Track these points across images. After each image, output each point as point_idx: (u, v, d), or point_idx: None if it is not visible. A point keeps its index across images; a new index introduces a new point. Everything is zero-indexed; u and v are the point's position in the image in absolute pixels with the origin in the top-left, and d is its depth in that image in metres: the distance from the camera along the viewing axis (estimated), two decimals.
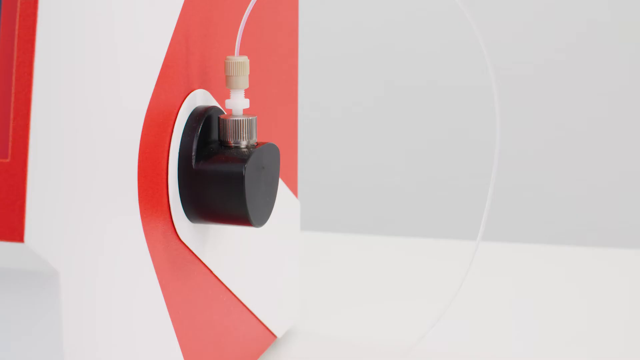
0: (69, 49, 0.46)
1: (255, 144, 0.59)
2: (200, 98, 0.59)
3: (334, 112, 1.73)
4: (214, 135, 0.59)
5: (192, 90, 0.58)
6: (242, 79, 0.59)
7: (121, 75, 0.51)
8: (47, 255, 0.45)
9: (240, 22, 0.59)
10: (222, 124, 0.58)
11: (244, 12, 0.60)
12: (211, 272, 0.62)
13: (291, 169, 0.74)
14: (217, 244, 0.62)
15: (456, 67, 1.67)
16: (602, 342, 0.78)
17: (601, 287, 0.92)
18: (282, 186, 0.70)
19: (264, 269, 0.70)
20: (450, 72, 1.66)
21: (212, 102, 0.60)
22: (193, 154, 0.57)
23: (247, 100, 0.59)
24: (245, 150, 0.58)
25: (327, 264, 0.95)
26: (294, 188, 0.75)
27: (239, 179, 0.56)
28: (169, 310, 0.57)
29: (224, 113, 0.60)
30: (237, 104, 0.59)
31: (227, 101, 0.59)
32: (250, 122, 0.58)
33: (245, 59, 0.59)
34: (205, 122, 0.58)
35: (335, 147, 1.71)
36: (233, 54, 0.61)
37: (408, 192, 1.57)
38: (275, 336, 0.74)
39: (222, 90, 0.61)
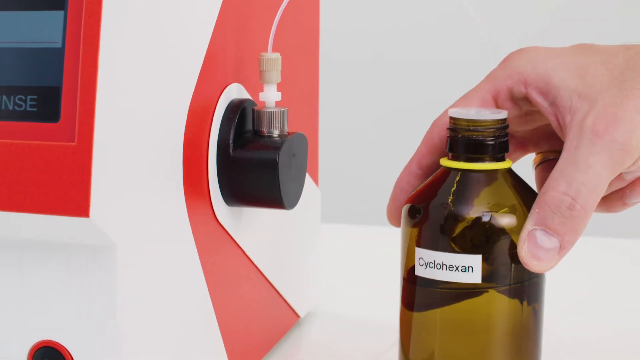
0: (127, 48, 0.51)
1: (287, 134, 0.64)
2: (235, 91, 0.64)
3: (351, 107, 1.77)
4: (249, 126, 0.64)
5: (228, 84, 0.63)
6: (275, 74, 0.64)
7: (171, 69, 0.56)
8: (107, 229, 0.51)
9: (270, 22, 0.65)
10: (256, 115, 0.64)
11: (274, 12, 0.65)
12: (243, 252, 0.67)
13: (313, 159, 0.79)
14: (249, 227, 0.67)
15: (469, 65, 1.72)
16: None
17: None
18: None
19: (289, 252, 0.75)
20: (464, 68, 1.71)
21: (246, 95, 0.65)
22: (230, 142, 0.62)
23: (279, 93, 0.64)
24: (277, 139, 0.63)
25: (343, 252, 1.01)
26: (315, 177, 0.80)
27: (273, 165, 0.61)
28: (207, 285, 0.62)
29: (256, 105, 0.65)
30: (270, 96, 0.64)
31: (260, 94, 0.64)
32: (282, 113, 0.63)
33: (277, 55, 0.64)
34: (240, 113, 0.63)
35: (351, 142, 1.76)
36: (263, 50, 0.66)
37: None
38: (298, 316, 0.79)
39: (253, 84, 0.66)
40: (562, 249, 0.59)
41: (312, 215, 0.80)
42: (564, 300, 0.87)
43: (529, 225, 0.59)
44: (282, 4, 0.64)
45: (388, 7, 1.75)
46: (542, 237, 0.59)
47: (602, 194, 0.60)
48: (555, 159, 0.62)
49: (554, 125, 0.63)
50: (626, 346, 0.78)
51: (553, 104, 0.63)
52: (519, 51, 0.65)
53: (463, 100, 0.65)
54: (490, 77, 0.65)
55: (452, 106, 0.65)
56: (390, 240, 1.00)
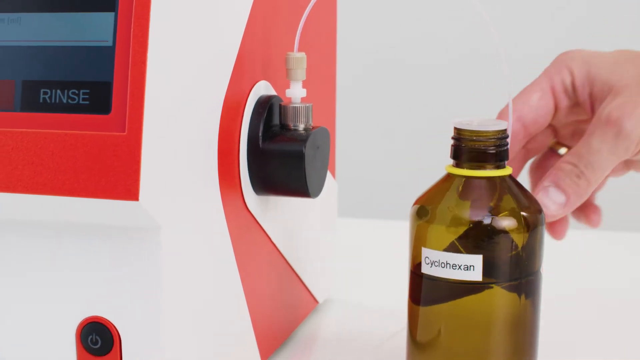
0: (171, 46, 0.56)
1: (311, 127, 0.68)
2: (263, 88, 0.68)
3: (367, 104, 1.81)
4: (276, 120, 0.68)
5: (256, 81, 0.68)
6: (300, 72, 0.69)
7: (208, 67, 0.60)
8: (154, 212, 0.55)
9: (293, 23, 0.69)
10: (283, 110, 0.68)
11: (297, 14, 0.70)
12: (269, 238, 0.71)
13: (330, 154, 0.84)
14: (274, 215, 0.71)
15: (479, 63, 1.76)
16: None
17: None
18: None
19: (309, 241, 0.80)
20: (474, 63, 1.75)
21: (272, 91, 0.70)
22: (260, 135, 0.66)
23: (305, 90, 0.69)
24: (303, 132, 0.67)
25: (355, 245, 1.05)
26: (332, 170, 0.85)
27: (300, 156, 0.66)
28: (238, 267, 0.66)
29: (282, 101, 0.69)
30: (296, 93, 0.68)
31: (287, 90, 0.68)
32: (307, 108, 0.68)
33: (303, 55, 0.68)
34: (268, 108, 0.67)
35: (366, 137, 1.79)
36: (287, 50, 0.70)
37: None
38: (317, 302, 0.84)
39: (280, 81, 0.71)
40: (567, 204, 0.73)
41: (330, 206, 0.85)
42: (561, 294, 0.92)
43: (545, 182, 0.73)
44: (308, 7, 0.68)
45: (413, 14, 1.79)
46: (553, 192, 0.73)
47: (606, 173, 0.72)
48: (553, 151, 0.80)
49: (588, 114, 0.75)
50: (624, 340, 0.83)
51: (590, 94, 0.75)
52: (567, 52, 0.77)
53: (525, 93, 0.76)
54: (545, 72, 0.77)
55: (515, 99, 0.76)
56: (399, 233, 1.05)
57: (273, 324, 0.74)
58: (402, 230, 1.05)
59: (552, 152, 0.82)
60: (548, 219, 0.73)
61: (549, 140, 0.81)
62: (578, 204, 0.73)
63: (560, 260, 0.94)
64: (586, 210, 0.81)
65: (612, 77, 0.73)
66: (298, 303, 0.79)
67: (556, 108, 0.77)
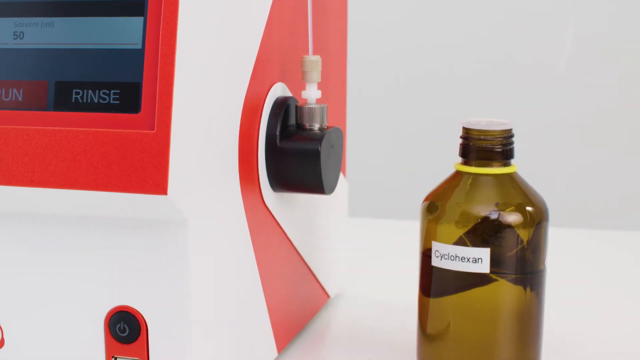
0: (197, 50, 0.59)
1: (326, 127, 0.71)
2: (279, 90, 0.71)
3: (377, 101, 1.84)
4: (292, 120, 0.71)
5: (273, 83, 0.71)
6: (315, 74, 0.72)
7: (230, 70, 0.64)
8: (181, 206, 0.58)
9: (307, 27, 0.72)
10: (299, 110, 0.71)
11: (311, 18, 0.73)
12: (285, 233, 0.74)
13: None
14: (289, 211, 0.75)
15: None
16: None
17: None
18: None
19: (322, 237, 0.83)
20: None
21: (288, 93, 0.73)
22: (277, 134, 0.69)
23: (320, 91, 0.72)
24: (318, 132, 0.70)
25: (363, 243, 1.08)
26: (343, 170, 0.88)
27: (316, 154, 0.69)
28: (256, 260, 0.69)
29: (298, 102, 0.73)
30: (311, 94, 0.71)
31: (303, 92, 0.72)
32: (322, 109, 0.71)
33: (318, 58, 0.72)
34: (285, 109, 0.70)
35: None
36: (300, 53, 0.73)
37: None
38: (328, 296, 0.87)
39: (295, 83, 0.74)
40: None
41: (341, 204, 0.88)
42: (565, 289, 0.95)
43: None
44: (309, 11, 0.71)
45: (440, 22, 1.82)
46: None
47: None
48: None
49: None
50: (624, 333, 0.86)
51: None
52: None
53: None
54: None
55: None
56: (404, 232, 1.08)
57: (288, 316, 0.77)
58: (408, 230, 1.09)
59: None
60: None
61: None
62: None
63: (561, 258, 0.97)
64: None
65: None
66: (311, 297, 0.82)
67: None
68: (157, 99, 0.57)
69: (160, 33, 0.57)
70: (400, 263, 0.98)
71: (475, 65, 1.77)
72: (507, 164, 0.70)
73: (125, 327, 0.62)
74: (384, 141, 1.86)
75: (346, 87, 0.89)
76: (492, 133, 0.69)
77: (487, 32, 1.77)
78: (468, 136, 0.70)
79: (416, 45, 1.84)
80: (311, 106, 0.71)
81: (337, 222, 0.87)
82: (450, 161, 0.79)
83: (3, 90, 0.61)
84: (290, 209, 0.75)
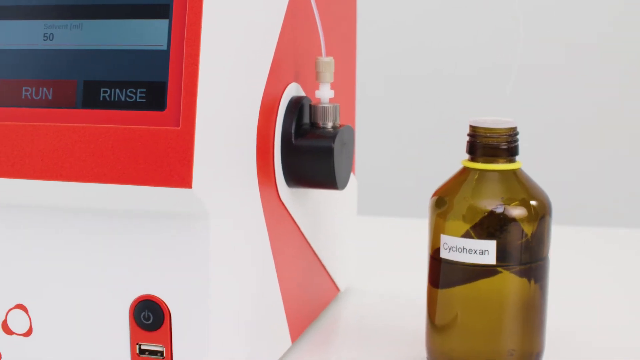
0: (218, 51, 0.62)
1: (339, 125, 0.74)
2: (294, 89, 0.75)
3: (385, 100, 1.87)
4: (306, 119, 0.74)
5: (288, 84, 0.74)
6: (328, 75, 0.75)
7: (248, 70, 0.67)
8: (204, 199, 0.61)
9: (325, 29, 0.75)
10: (313, 109, 0.74)
11: (322, 20, 0.76)
12: (298, 228, 0.77)
13: None
14: (303, 206, 0.78)
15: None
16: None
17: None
18: None
19: (333, 232, 0.86)
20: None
21: (302, 93, 0.76)
22: (292, 132, 0.73)
23: (332, 91, 0.75)
24: (331, 130, 0.74)
25: (370, 240, 1.11)
26: (352, 168, 0.91)
27: (329, 151, 0.72)
28: (272, 253, 0.72)
29: (311, 101, 0.76)
30: (325, 94, 0.75)
31: (316, 92, 0.75)
32: (335, 108, 0.74)
33: (331, 59, 0.75)
34: (300, 108, 0.74)
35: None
36: (312, 54, 0.77)
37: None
38: (338, 289, 0.90)
39: (308, 83, 0.77)
40: None
41: (351, 201, 0.91)
42: (568, 285, 0.98)
43: None
44: (316, 13, 0.74)
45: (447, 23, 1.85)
46: None
47: None
48: None
49: None
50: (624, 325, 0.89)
51: None
52: None
53: None
54: None
55: None
56: (410, 229, 1.11)
57: (301, 307, 0.80)
58: (413, 227, 1.12)
59: None
60: None
61: None
62: None
63: (564, 255, 1.00)
64: None
65: None
66: (322, 289, 0.85)
67: None
68: (182, 97, 0.60)
69: (185, 35, 0.60)
70: (407, 259, 1.01)
71: (478, 65, 1.80)
72: (512, 161, 0.73)
73: (150, 315, 0.65)
74: (388, 141, 1.89)
75: (355, 87, 0.92)
76: (497, 131, 0.73)
77: (489, 34, 1.80)
78: (475, 134, 0.73)
79: (421, 45, 1.87)
80: (324, 105, 0.74)
81: (346, 219, 0.90)
82: (452, 160, 0.82)
83: (34, 89, 0.64)
84: (304, 204, 0.78)
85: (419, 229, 0.91)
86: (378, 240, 1.13)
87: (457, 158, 0.78)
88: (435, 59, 1.86)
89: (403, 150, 1.89)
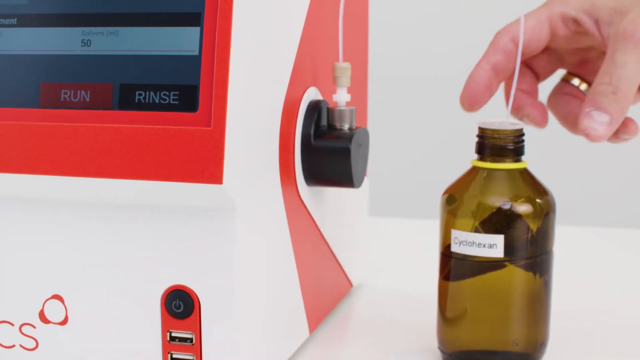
0: (247, 57, 0.66)
1: (355, 127, 0.79)
2: (312, 93, 0.79)
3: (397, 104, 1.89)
4: (324, 121, 0.79)
5: (307, 88, 0.78)
6: (345, 79, 0.79)
7: (272, 74, 0.71)
8: (233, 194, 0.65)
9: (334, 35, 0.80)
10: (330, 112, 0.79)
11: (337, 26, 0.81)
12: (315, 224, 0.82)
13: None
14: (320, 204, 0.82)
15: None
16: None
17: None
18: None
19: (347, 229, 0.90)
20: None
21: (320, 96, 0.81)
22: (311, 133, 0.77)
23: (349, 95, 0.79)
24: (348, 131, 0.78)
25: (381, 239, 1.16)
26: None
27: (347, 151, 0.76)
28: (293, 248, 0.77)
29: (329, 105, 0.80)
30: (342, 97, 0.79)
31: (334, 95, 0.79)
32: (351, 111, 0.79)
33: (348, 65, 0.79)
34: (318, 111, 0.78)
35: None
36: (329, 59, 0.81)
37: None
38: (351, 285, 0.94)
39: (325, 87, 0.81)
40: (612, 121, 0.78)
41: (363, 199, 0.95)
42: (572, 281, 1.02)
43: (585, 108, 0.79)
44: (340, 21, 0.79)
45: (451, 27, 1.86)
46: (596, 114, 0.78)
47: (637, 83, 0.79)
48: (566, 82, 0.88)
49: (597, 40, 0.83)
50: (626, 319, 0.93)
51: (597, 22, 0.82)
52: None
53: (519, 23, 0.83)
54: (546, 4, 0.85)
55: (508, 27, 0.85)
56: (419, 229, 1.16)
57: (318, 300, 0.84)
58: (422, 227, 1.16)
59: (565, 83, 0.89)
60: (598, 140, 0.79)
61: (554, 67, 0.89)
62: (621, 118, 0.79)
63: (562, 256, 1.04)
64: (624, 124, 0.83)
65: (618, 2, 0.81)
66: (337, 284, 0.90)
67: (553, 35, 0.85)
68: (212, 99, 0.64)
69: (216, 41, 0.65)
70: (416, 257, 1.05)
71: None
72: (518, 160, 0.77)
73: (180, 304, 0.69)
74: (397, 145, 1.92)
75: (367, 90, 0.96)
76: (504, 132, 0.77)
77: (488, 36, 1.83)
78: (483, 135, 0.77)
79: (422, 48, 1.89)
80: (342, 108, 0.78)
81: (359, 217, 0.95)
82: (458, 163, 0.86)
83: (72, 91, 0.68)
84: (320, 202, 0.82)
85: (427, 229, 0.96)
86: (388, 240, 1.17)
87: (459, 166, 0.82)
88: (444, 61, 1.88)
89: (410, 155, 1.93)
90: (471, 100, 0.85)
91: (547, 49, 0.88)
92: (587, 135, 0.79)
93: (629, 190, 1.81)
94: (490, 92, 0.85)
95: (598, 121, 0.78)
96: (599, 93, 0.79)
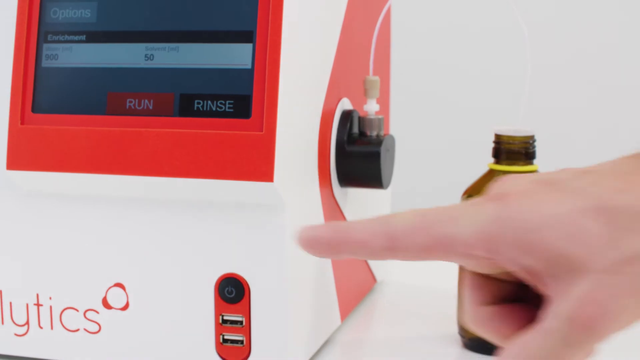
0: (293, 70, 0.75)
1: (383, 134, 0.87)
2: (345, 103, 0.87)
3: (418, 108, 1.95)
4: (355, 129, 0.87)
5: (341, 98, 0.87)
6: (375, 91, 0.88)
7: (313, 86, 0.80)
8: (282, 192, 0.74)
9: (362, 48, 0.88)
10: (361, 120, 0.87)
11: (366, 39, 0.89)
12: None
13: None
14: (350, 204, 0.90)
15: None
16: None
17: None
18: None
19: None
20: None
21: (350, 106, 0.89)
22: (345, 139, 0.85)
23: (378, 105, 0.88)
24: (377, 138, 0.86)
25: None
26: None
27: (377, 156, 0.85)
28: None
29: (359, 114, 0.88)
30: (372, 107, 0.87)
31: (364, 106, 0.88)
32: (380, 120, 0.87)
33: (377, 78, 0.88)
34: (350, 119, 0.86)
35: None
36: (360, 73, 0.89)
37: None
38: (375, 280, 1.02)
39: (356, 98, 0.90)
40: None
41: (385, 199, 1.04)
42: None
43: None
44: (373, 41, 0.87)
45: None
46: None
47: None
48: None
49: (537, 287, 0.51)
50: None
51: (532, 271, 0.50)
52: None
53: (450, 224, 0.52)
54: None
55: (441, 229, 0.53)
56: None
57: (348, 291, 0.92)
58: None
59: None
60: None
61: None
62: None
63: None
64: None
65: (567, 244, 0.48)
66: (363, 279, 0.98)
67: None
68: (264, 108, 0.73)
69: (267, 57, 0.73)
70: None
71: (497, 72, 1.88)
72: (530, 164, 0.86)
73: (232, 290, 0.77)
74: (416, 148, 1.97)
75: (389, 99, 1.05)
76: (518, 138, 0.85)
77: (497, 41, 1.88)
78: (499, 140, 0.86)
79: (442, 54, 1.95)
80: (371, 117, 0.87)
81: (383, 213, 1.03)
82: (473, 166, 0.94)
83: (137, 100, 0.76)
84: (350, 202, 0.91)
85: None
86: None
87: (475, 169, 0.91)
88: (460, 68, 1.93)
89: (428, 158, 1.97)
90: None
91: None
92: None
93: None
94: (500, 317, 0.54)
95: None
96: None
